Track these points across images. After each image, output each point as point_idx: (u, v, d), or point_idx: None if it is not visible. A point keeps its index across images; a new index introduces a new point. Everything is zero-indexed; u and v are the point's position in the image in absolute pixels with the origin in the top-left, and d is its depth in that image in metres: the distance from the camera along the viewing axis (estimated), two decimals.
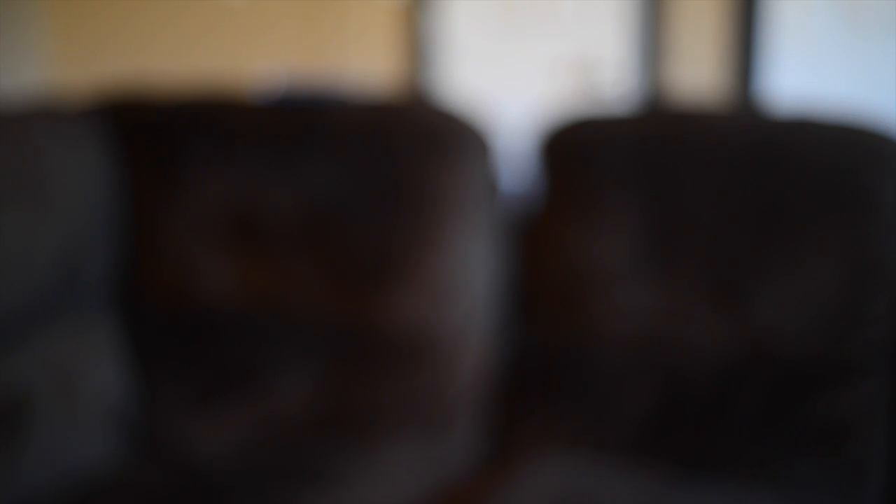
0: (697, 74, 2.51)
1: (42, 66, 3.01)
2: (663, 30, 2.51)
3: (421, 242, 1.51)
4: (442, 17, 2.67)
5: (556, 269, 1.51)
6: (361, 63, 2.76)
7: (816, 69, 2.39)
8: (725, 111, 1.72)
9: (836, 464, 1.36)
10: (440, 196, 1.51)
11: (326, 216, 1.54)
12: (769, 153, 1.43)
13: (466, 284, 1.52)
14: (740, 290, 1.41)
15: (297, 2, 2.84)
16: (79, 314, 1.55)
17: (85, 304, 1.56)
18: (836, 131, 1.44)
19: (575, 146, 1.53)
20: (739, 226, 1.42)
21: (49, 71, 3.01)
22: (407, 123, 1.56)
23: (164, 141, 1.62)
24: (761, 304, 1.40)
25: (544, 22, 2.60)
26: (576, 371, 1.48)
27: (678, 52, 2.51)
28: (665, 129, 1.51)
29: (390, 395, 1.51)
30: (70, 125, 1.57)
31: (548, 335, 1.51)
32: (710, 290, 1.43)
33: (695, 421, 1.42)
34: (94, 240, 1.56)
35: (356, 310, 1.52)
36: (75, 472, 1.46)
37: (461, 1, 2.66)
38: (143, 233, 1.60)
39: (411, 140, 1.53)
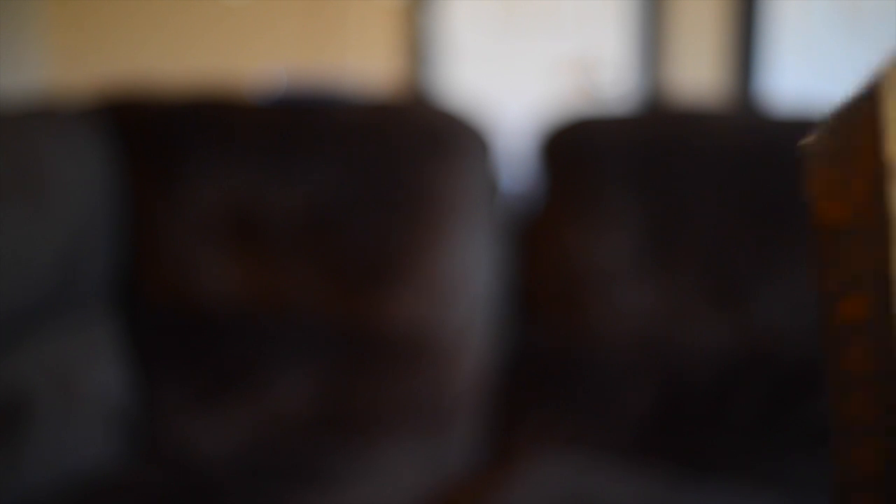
0: (697, 74, 2.51)
1: (42, 66, 3.02)
2: (663, 30, 2.51)
3: (421, 242, 1.51)
4: (442, 17, 2.67)
5: (556, 269, 1.51)
6: (361, 63, 2.76)
7: (816, 69, 2.39)
8: (725, 111, 1.72)
9: None
10: (440, 196, 1.51)
11: (326, 216, 1.54)
12: (769, 153, 1.43)
13: (466, 284, 1.52)
14: (740, 290, 1.41)
15: (297, 2, 2.85)
16: (79, 314, 1.55)
17: (85, 304, 1.56)
18: None
19: (575, 146, 1.53)
20: (739, 226, 1.42)
21: (49, 71, 3.01)
22: (407, 123, 1.56)
23: (164, 141, 1.62)
24: (761, 304, 1.40)
25: (544, 22, 2.60)
26: (576, 371, 1.48)
27: (678, 52, 2.52)
28: (665, 129, 1.51)
29: (390, 395, 1.51)
30: (70, 125, 1.57)
31: (548, 335, 1.51)
32: (710, 290, 1.43)
33: (694, 421, 1.42)
34: (94, 240, 1.56)
35: (356, 310, 1.52)
36: (75, 472, 1.46)
37: (461, 1, 2.66)
38: (143, 233, 1.60)
39: (411, 140, 1.53)
